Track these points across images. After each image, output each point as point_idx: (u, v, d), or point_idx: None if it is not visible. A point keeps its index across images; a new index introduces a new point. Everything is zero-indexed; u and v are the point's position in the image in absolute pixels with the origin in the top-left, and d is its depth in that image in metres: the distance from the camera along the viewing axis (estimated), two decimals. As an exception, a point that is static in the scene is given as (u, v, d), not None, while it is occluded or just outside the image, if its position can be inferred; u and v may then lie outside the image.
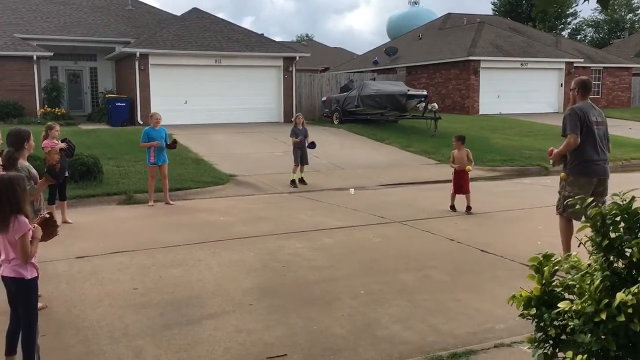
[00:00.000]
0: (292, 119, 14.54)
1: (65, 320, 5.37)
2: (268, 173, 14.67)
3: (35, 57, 24.21)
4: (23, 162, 5.77)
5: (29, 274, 4.09)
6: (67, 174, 6.25)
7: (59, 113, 24.32)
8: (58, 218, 9.11)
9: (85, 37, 26.91)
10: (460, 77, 30.61)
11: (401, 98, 21.80)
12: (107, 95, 25.31)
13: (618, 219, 2.19)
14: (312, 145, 13.34)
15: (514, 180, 15.04)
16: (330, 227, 9.08)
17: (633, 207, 2.22)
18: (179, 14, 28.77)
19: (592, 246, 2.23)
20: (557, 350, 2.03)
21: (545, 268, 2.19)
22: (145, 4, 31.92)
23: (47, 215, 4.29)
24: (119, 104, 23.63)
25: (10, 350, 4.22)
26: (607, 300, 1.91)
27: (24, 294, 4.11)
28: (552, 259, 2.21)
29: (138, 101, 23.72)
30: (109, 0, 30.73)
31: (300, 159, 13.45)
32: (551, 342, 2.05)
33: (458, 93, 30.85)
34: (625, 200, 2.25)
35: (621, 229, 2.18)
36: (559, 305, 1.93)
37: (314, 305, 5.70)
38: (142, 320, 5.32)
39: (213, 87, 24.68)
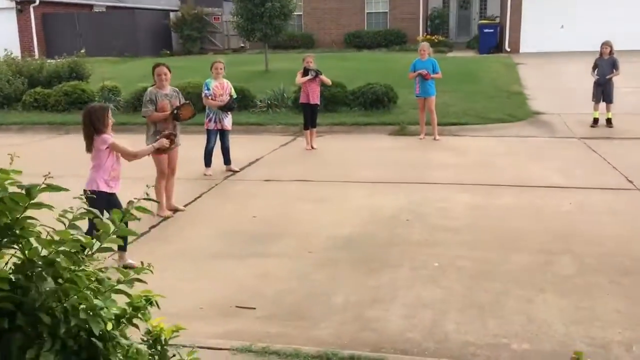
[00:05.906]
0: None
1: (170, 229, 6.21)
2: (585, 112, 12.46)
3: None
4: (152, 90, 6.71)
5: (89, 187, 5.02)
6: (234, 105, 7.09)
7: (436, 40, 25.21)
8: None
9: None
10: None
11: None
12: (479, 22, 24.92)
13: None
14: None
15: None
16: (545, 184, 7.48)
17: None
18: None
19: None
20: None
21: None
22: None
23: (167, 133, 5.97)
24: (487, 30, 23.10)
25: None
26: None
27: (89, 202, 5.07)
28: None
29: (507, 26, 22.64)
30: None
31: (602, 95, 11.06)
32: None
33: None
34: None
35: None
36: None
37: (367, 270, 5.10)
38: (218, 246, 5.75)
39: (598, 6, 21.45)
